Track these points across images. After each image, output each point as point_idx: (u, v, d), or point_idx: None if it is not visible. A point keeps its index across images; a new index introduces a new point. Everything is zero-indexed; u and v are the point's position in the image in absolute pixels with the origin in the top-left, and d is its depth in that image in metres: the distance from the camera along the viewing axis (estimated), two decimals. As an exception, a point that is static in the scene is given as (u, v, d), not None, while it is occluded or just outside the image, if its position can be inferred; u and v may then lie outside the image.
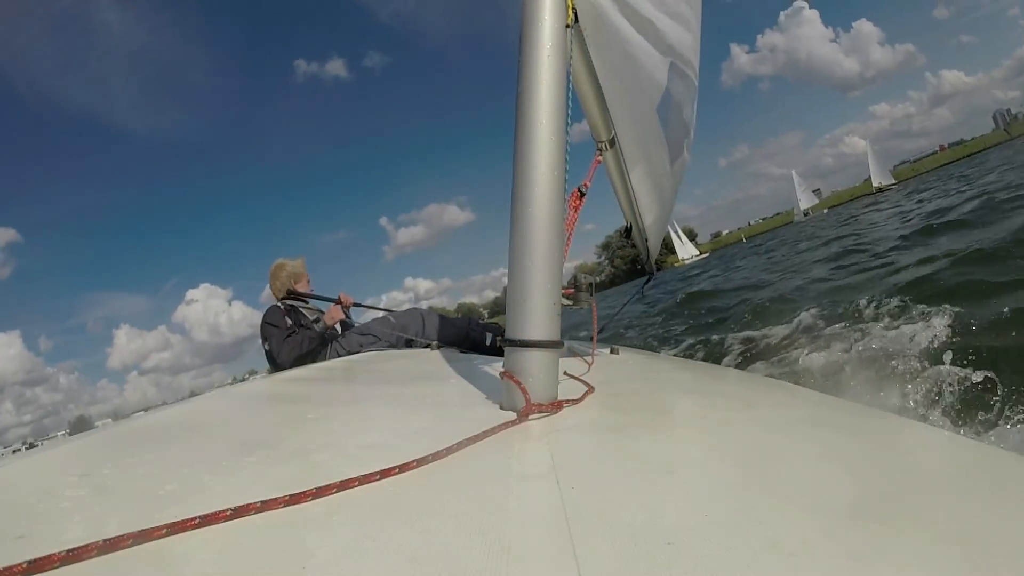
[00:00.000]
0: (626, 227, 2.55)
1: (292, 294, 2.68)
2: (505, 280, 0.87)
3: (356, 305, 2.78)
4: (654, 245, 2.73)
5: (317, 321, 2.56)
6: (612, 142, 1.84)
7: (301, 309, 2.60)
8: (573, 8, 0.96)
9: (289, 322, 2.48)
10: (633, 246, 2.78)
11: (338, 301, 2.71)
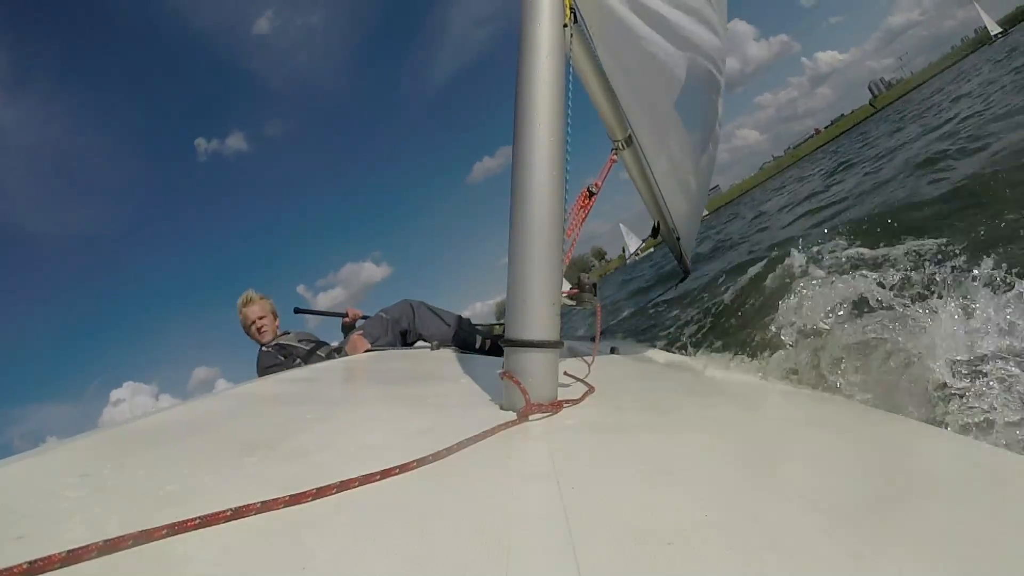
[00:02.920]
0: (654, 226, 2.54)
1: (300, 311, 2.65)
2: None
3: (364, 318, 2.70)
4: (687, 243, 2.72)
5: (308, 347, 2.51)
6: (629, 140, 1.84)
7: (286, 344, 2.55)
8: (571, 7, 0.96)
9: (281, 358, 2.46)
10: (663, 243, 2.76)
11: (346, 315, 2.67)
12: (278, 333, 2.67)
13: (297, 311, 2.71)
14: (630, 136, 1.82)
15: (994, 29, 55.31)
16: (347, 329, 2.70)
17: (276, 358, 2.46)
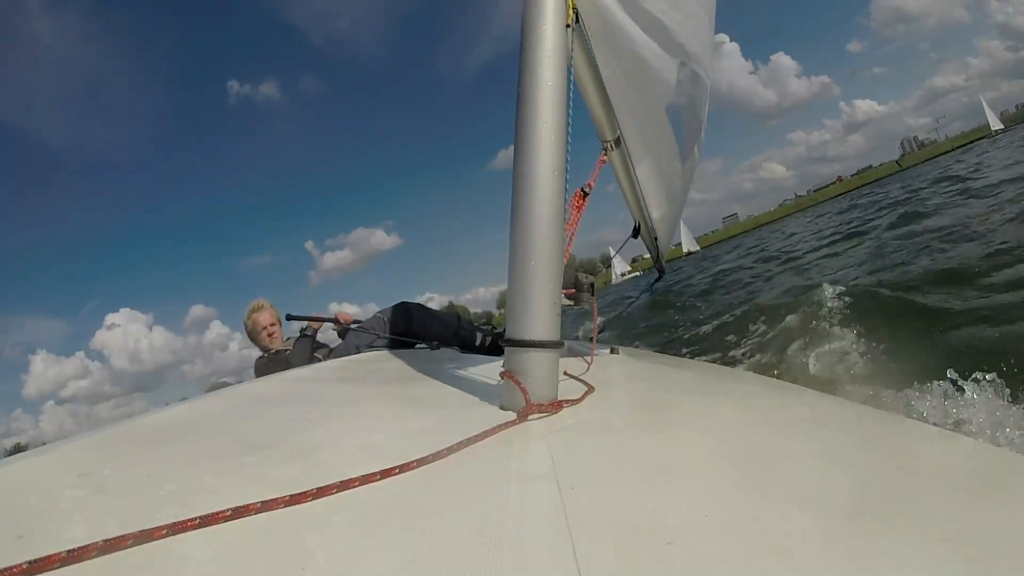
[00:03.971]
0: (634, 226, 2.56)
1: (292, 317, 2.64)
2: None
3: (356, 323, 2.68)
4: (664, 244, 2.74)
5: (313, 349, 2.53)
6: (618, 141, 1.84)
7: (284, 356, 2.55)
8: (574, 8, 0.96)
9: (280, 368, 2.44)
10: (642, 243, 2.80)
11: (336, 320, 2.67)
12: (283, 341, 2.70)
13: (289, 317, 2.71)
14: (619, 137, 1.82)
15: (996, 125, 58.36)
16: (341, 334, 2.70)
17: (276, 367, 2.47)
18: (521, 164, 0.84)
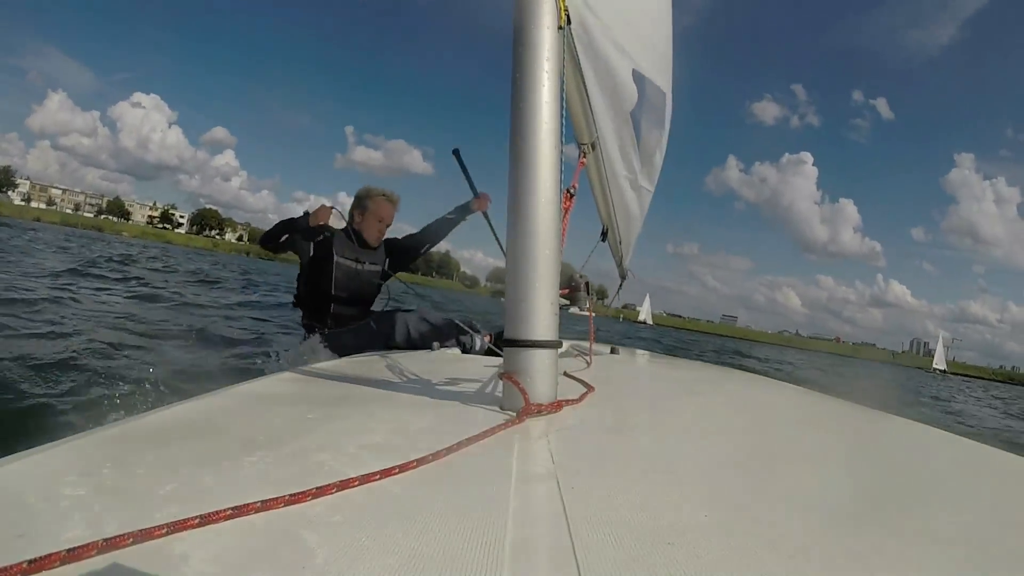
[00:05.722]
0: (602, 230, 2.60)
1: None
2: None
3: (330, 231, 2.47)
4: (627, 249, 2.80)
5: (352, 250, 2.44)
6: (594, 145, 1.86)
7: (341, 239, 2.45)
8: (566, 10, 0.96)
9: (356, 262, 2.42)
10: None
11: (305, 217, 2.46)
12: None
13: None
14: (595, 142, 1.85)
15: (940, 365, 57.83)
16: (307, 235, 2.44)
17: (354, 258, 2.40)
18: (518, 166, 0.84)
